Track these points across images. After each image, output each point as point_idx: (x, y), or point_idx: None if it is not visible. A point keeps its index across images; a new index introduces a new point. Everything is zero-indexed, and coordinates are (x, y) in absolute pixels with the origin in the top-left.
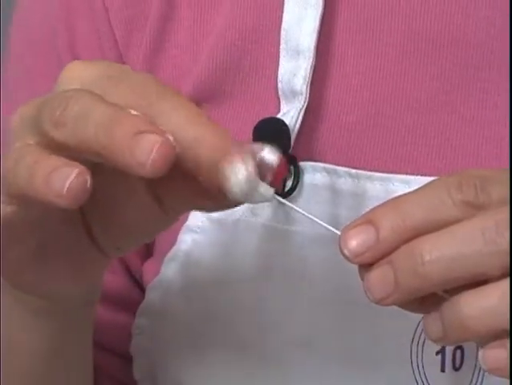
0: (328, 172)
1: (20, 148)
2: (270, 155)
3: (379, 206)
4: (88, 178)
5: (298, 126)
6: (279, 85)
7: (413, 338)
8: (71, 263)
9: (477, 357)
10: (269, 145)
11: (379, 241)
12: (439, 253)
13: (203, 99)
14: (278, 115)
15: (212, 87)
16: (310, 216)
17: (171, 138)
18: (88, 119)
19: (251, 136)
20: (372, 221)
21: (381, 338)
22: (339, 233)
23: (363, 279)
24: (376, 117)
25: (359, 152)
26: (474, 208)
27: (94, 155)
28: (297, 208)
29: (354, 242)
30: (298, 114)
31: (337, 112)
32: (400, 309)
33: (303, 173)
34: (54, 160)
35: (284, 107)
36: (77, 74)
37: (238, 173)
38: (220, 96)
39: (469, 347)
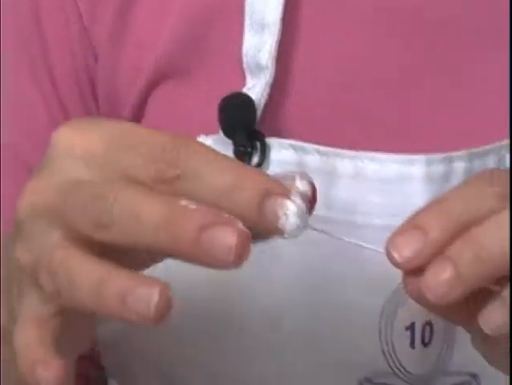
0: (295, 148)
1: (61, 254)
2: (303, 184)
3: (421, 210)
4: (169, 292)
5: (264, 101)
6: (244, 60)
7: (382, 314)
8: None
9: (446, 333)
10: (298, 173)
11: (429, 243)
12: (497, 234)
13: (167, 74)
14: (244, 90)
15: (176, 62)
16: (342, 237)
17: (240, 224)
18: (141, 220)
19: (216, 112)
20: (419, 226)
21: (350, 313)
22: (371, 247)
23: (409, 284)
24: (343, 92)
25: (326, 128)
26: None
27: (153, 252)
28: (327, 232)
29: (405, 249)
30: (264, 89)
31: (304, 87)
32: (369, 284)
33: (270, 150)
34: (126, 280)
35: (249, 82)
36: (79, 145)
37: (290, 210)
38: (184, 72)
39: (438, 323)
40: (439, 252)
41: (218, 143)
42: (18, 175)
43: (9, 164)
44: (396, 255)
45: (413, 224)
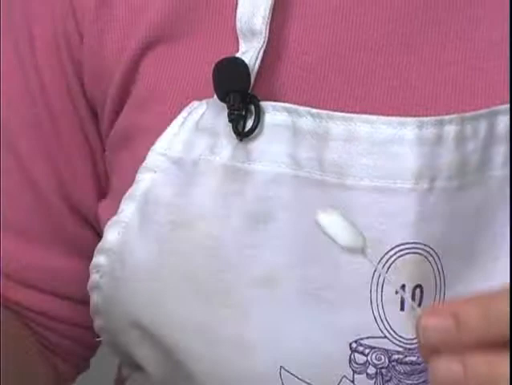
0: (289, 111)
1: None
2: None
3: (468, 302)
4: None
5: (257, 65)
6: (238, 25)
7: (373, 277)
8: None
9: (435, 296)
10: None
11: (456, 339)
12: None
13: (160, 38)
14: (237, 55)
15: (169, 26)
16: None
17: None
18: None
19: (211, 76)
20: (457, 317)
21: (340, 277)
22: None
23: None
24: (335, 57)
25: (319, 92)
26: None
27: None
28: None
29: (431, 333)
30: (258, 53)
31: (296, 52)
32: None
33: (264, 113)
34: None
35: (243, 47)
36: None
37: None
38: (177, 36)
39: (428, 286)
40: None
41: (212, 107)
42: None
43: None
44: (421, 333)
45: (452, 312)
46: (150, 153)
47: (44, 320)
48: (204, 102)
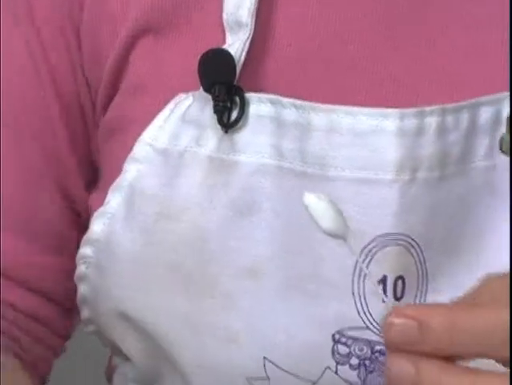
0: (273, 102)
1: None
2: None
3: (435, 308)
4: None
5: (243, 57)
6: (224, 17)
7: (355, 270)
8: None
9: (417, 288)
10: None
11: (419, 342)
12: None
13: (149, 28)
14: (224, 47)
15: (158, 16)
16: None
17: None
18: None
19: (197, 68)
20: (422, 325)
21: (323, 269)
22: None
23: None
24: (320, 49)
25: (304, 84)
26: None
27: None
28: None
29: (395, 332)
30: (244, 45)
31: (281, 44)
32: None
33: (248, 104)
34: None
35: (229, 39)
36: None
37: None
38: (166, 27)
39: (410, 277)
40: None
41: (199, 99)
42: None
43: None
44: (386, 333)
45: (419, 318)
46: (137, 144)
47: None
48: (190, 94)
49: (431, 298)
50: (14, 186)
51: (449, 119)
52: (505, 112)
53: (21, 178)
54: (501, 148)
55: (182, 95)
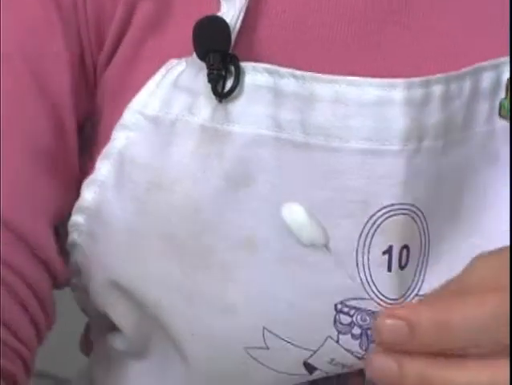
0: (270, 72)
1: None
2: None
3: (426, 308)
4: None
5: (238, 25)
6: None
7: (359, 241)
8: None
9: (420, 256)
10: None
11: (408, 342)
12: None
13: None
14: (218, 14)
15: None
16: None
17: None
18: None
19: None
20: (411, 324)
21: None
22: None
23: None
24: (318, 15)
25: (302, 53)
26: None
27: None
28: None
29: (386, 333)
30: (239, 12)
31: (277, 10)
32: (347, 210)
33: (244, 74)
34: None
35: (224, 7)
36: None
37: None
38: None
39: (414, 246)
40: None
41: (192, 66)
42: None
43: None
44: (376, 335)
45: (408, 318)
46: (126, 111)
47: None
48: (183, 60)
49: (431, 266)
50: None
51: (453, 86)
52: (505, 77)
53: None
54: (500, 113)
55: (174, 61)
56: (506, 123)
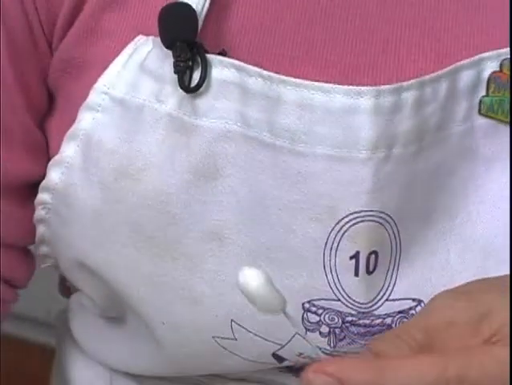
0: (237, 68)
1: None
2: None
3: (359, 364)
4: None
5: (204, 12)
6: None
7: (326, 243)
8: None
9: (390, 260)
10: None
11: None
12: None
13: None
14: (184, 0)
15: None
16: None
17: None
18: None
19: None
20: (343, 382)
21: (292, 240)
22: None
23: None
24: (288, 12)
25: (268, 47)
26: None
27: None
28: None
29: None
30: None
31: (246, 3)
32: (314, 214)
33: (211, 67)
34: None
35: None
36: None
37: None
38: None
39: (383, 251)
40: None
41: (158, 47)
42: None
43: None
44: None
45: (338, 376)
46: (92, 91)
47: None
48: (150, 39)
49: (403, 269)
50: None
51: (428, 91)
52: (486, 74)
53: None
54: (479, 111)
55: (142, 38)
56: (486, 120)
